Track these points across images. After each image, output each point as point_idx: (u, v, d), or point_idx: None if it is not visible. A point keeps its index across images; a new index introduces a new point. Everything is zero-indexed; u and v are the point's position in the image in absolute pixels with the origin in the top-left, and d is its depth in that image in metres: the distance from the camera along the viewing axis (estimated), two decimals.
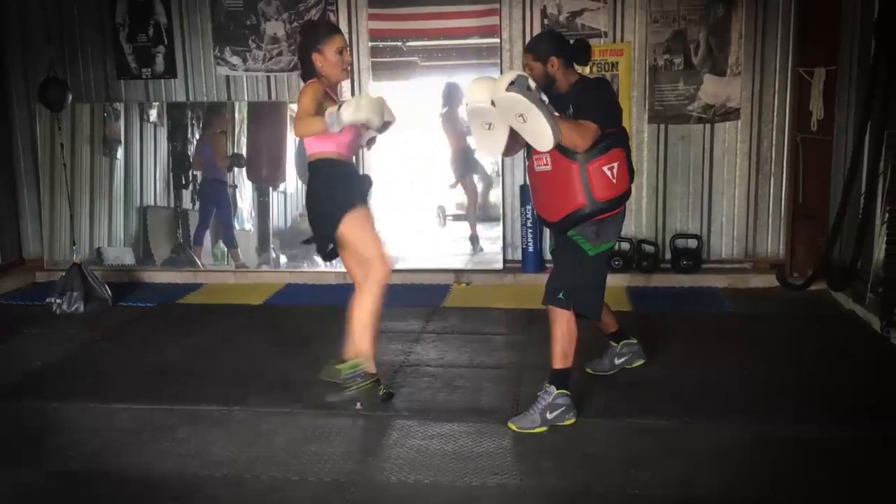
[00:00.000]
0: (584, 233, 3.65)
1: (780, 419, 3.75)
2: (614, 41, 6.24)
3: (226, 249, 7.15)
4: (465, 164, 7.28)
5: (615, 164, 3.53)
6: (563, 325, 3.66)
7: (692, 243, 6.33)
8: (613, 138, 3.55)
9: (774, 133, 6.22)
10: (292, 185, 7.20)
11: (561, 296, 3.67)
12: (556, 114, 3.39)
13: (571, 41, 3.78)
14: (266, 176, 7.23)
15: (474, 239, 6.80)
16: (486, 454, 3.47)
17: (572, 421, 3.67)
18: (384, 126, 3.68)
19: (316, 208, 3.91)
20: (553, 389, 3.65)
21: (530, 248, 6.45)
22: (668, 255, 6.37)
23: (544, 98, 3.43)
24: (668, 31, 6.18)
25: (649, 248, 6.35)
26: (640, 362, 4.32)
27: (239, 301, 6.13)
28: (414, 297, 6.02)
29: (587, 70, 4.83)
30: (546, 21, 6.29)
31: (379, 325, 4.03)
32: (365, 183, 4.03)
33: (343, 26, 6.49)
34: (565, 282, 3.70)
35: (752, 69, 6.15)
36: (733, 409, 3.87)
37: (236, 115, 6.91)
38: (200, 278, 6.81)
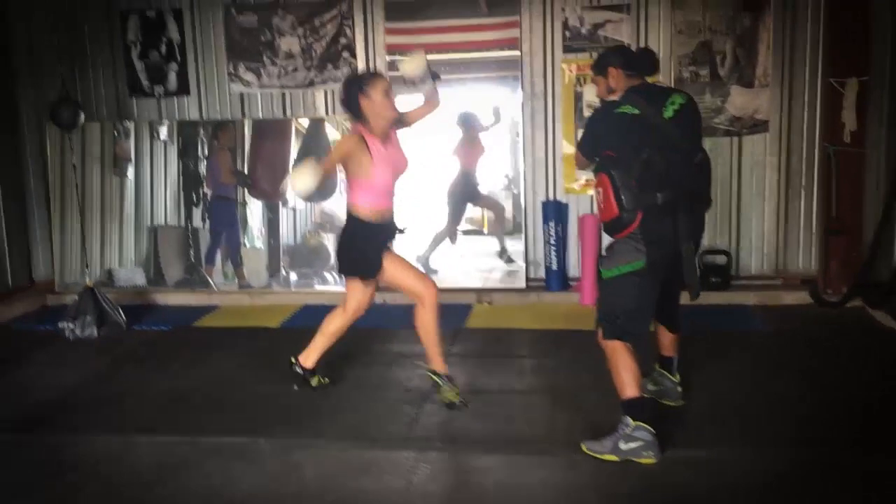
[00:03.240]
0: (604, 253, 3.63)
1: (829, 446, 3.57)
2: None
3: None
4: (466, 186, 7.32)
5: (600, 189, 3.47)
6: (613, 354, 3.49)
7: (721, 259, 6.15)
8: (604, 162, 3.47)
9: (805, 145, 6.06)
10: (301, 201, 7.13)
11: (599, 326, 3.58)
12: None
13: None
14: (273, 193, 7.13)
15: (503, 252, 6.64)
16: (526, 487, 3.29)
17: (652, 461, 3.41)
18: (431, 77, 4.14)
19: (345, 262, 4.21)
20: (630, 421, 3.45)
21: (554, 267, 6.28)
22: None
23: None
24: (694, 43, 6.04)
25: None
26: (671, 403, 4.04)
27: (256, 324, 5.97)
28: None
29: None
30: (568, 33, 6.15)
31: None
32: (389, 234, 4.20)
33: (359, 41, 6.39)
34: (598, 310, 3.63)
35: (780, 80, 6.00)
36: (778, 437, 3.69)
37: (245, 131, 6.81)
38: (215, 300, 6.65)
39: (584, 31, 6.13)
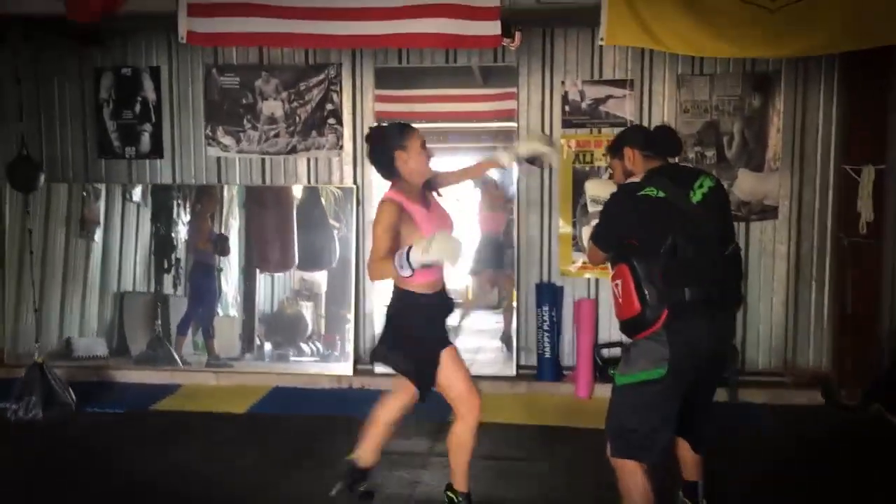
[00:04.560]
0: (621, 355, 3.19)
1: None
2: None
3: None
4: (497, 253, 6.72)
5: (619, 282, 3.04)
6: (624, 476, 3.04)
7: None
8: (624, 251, 3.04)
9: (816, 234, 5.70)
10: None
11: (609, 444, 3.10)
12: None
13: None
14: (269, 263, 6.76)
15: (508, 339, 6.12)
16: None
17: None
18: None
19: (405, 345, 3.56)
20: None
21: (547, 354, 5.82)
22: None
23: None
24: (700, 122, 5.73)
25: None
26: None
27: (221, 408, 5.45)
28: (416, 409, 5.28)
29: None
30: (567, 108, 5.83)
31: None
32: (447, 316, 3.69)
33: (347, 108, 6.05)
34: (609, 423, 3.16)
35: (790, 165, 5.68)
36: None
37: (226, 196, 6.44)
38: (177, 378, 6.12)
39: (584, 106, 5.81)
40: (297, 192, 6.31)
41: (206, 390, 5.93)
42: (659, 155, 3.23)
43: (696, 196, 3.02)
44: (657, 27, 4.31)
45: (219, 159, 6.24)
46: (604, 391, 5.59)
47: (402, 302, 3.51)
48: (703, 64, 5.70)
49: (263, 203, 6.53)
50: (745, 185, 5.70)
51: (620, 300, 3.02)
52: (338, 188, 6.17)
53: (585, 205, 3.57)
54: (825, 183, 5.66)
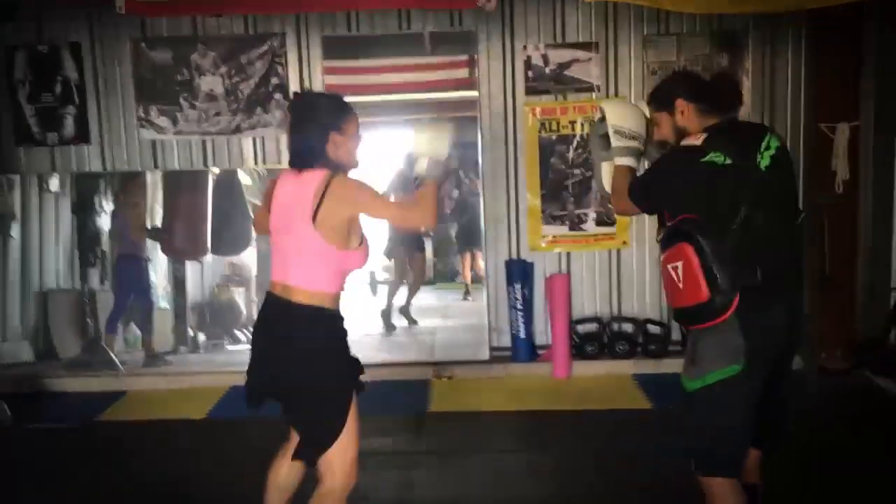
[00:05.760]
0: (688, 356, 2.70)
1: None
2: (607, 95, 5.51)
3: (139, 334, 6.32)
4: (412, 240, 6.80)
5: (679, 264, 2.58)
6: (718, 498, 2.64)
7: None
8: (684, 227, 2.59)
9: None
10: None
11: (693, 462, 2.68)
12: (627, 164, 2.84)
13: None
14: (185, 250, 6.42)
15: (405, 311, 6.08)
16: None
17: None
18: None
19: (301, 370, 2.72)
20: None
21: (521, 334, 5.55)
22: (676, 336, 5.58)
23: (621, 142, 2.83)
24: None
25: (656, 329, 5.57)
26: None
27: (176, 415, 5.00)
28: (391, 401, 4.91)
29: None
30: (531, 73, 5.52)
31: None
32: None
33: (294, 81, 5.60)
34: (689, 438, 2.70)
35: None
36: None
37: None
38: (121, 384, 5.60)
39: (548, 70, 5.51)
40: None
41: (157, 396, 5.45)
42: (717, 110, 2.73)
43: (765, 160, 2.59)
44: None
45: (154, 142, 5.69)
46: (582, 369, 5.43)
47: (321, 323, 2.71)
48: (669, 24, 5.48)
49: (179, 188, 6.30)
50: None
51: (681, 285, 2.57)
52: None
53: (606, 135, 2.89)
54: (796, 142, 5.52)
